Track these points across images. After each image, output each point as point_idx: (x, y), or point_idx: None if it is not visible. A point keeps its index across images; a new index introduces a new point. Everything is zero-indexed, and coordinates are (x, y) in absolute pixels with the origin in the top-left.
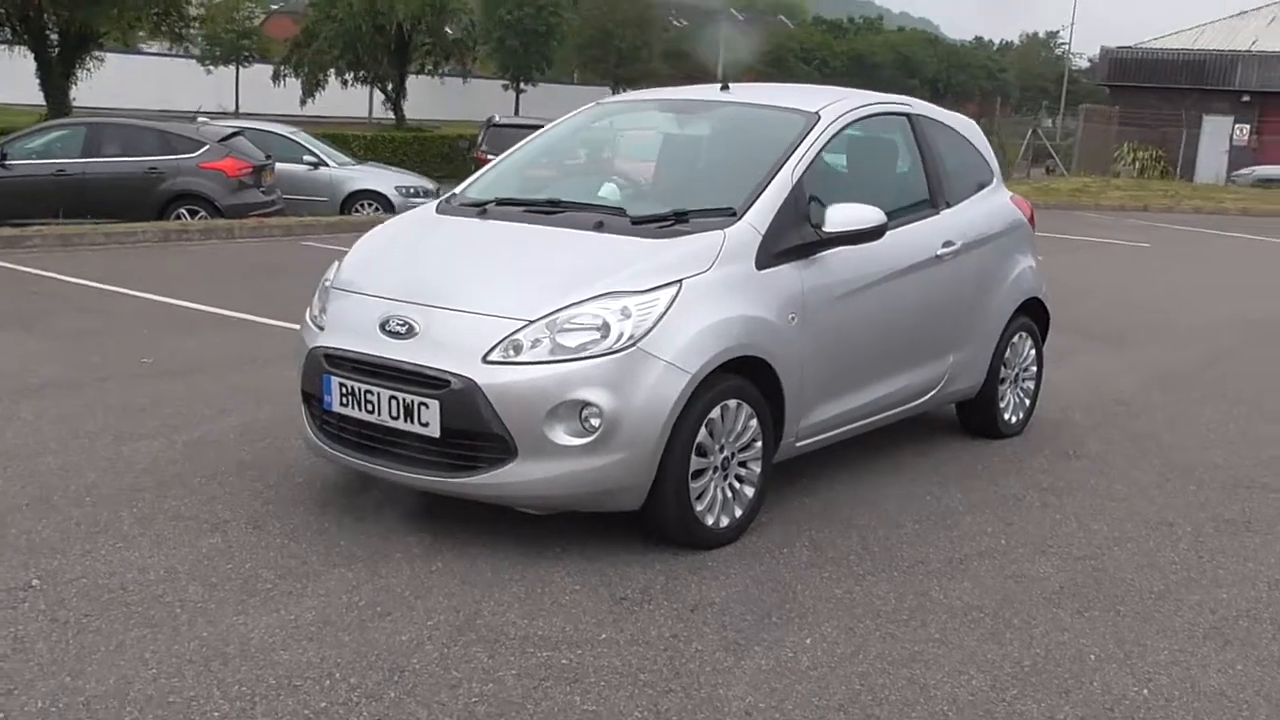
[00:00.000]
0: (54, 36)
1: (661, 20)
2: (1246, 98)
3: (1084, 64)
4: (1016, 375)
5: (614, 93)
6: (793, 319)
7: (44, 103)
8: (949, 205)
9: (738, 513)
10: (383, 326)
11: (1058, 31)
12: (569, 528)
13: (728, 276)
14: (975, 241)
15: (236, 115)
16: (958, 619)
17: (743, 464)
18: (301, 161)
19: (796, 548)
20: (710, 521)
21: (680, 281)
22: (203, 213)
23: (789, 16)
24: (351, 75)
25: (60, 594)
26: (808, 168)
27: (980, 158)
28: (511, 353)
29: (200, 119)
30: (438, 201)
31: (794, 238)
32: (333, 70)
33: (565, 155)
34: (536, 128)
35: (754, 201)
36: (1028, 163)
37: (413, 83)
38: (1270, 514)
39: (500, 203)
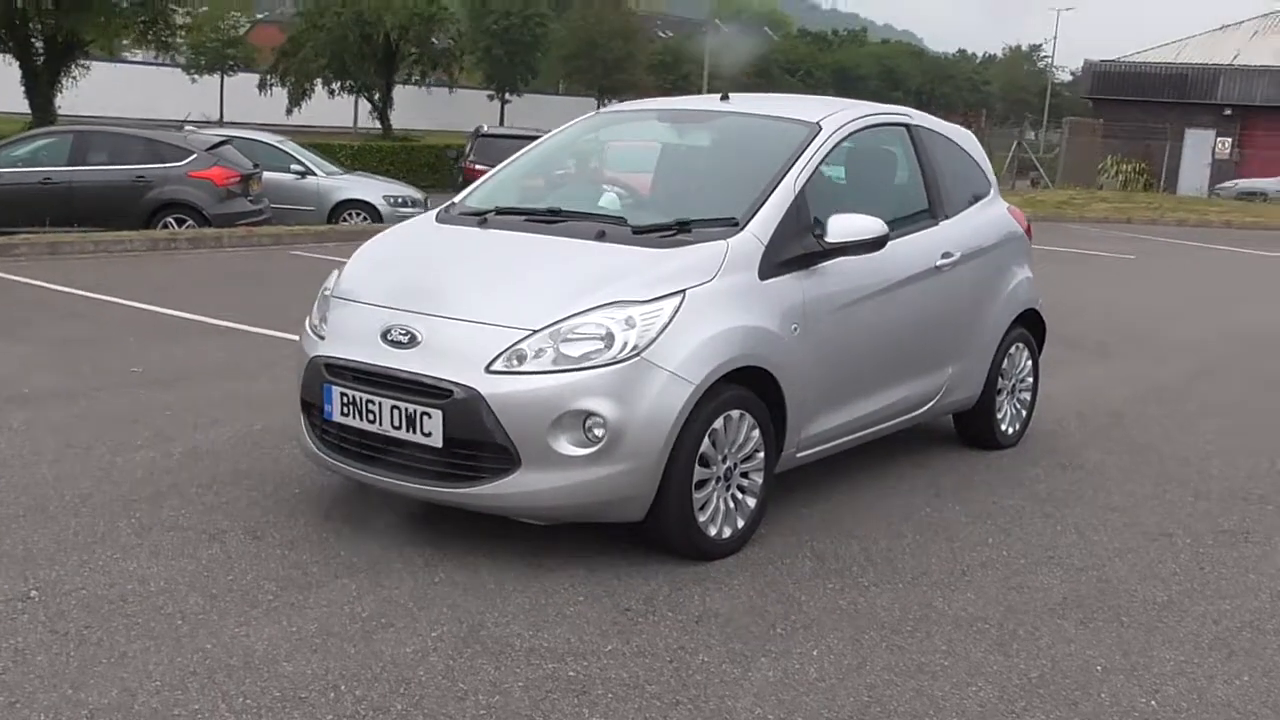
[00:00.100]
0: (39, 44)
1: (647, 31)
2: (1228, 111)
3: (1066, 77)
4: (1013, 386)
5: (599, 104)
6: (795, 329)
7: (29, 110)
8: (947, 216)
9: (740, 523)
10: (384, 336)
11: (1040, 45)
12: (570, 538)
13: (731, 286)
14: (973, 253)
15: (221, 124)
16: (963, 630)
17: (745, 474)
18: (289, 170)
19: (799, 558)
20: (713, 532)
21: (684, 291)
22: (190, 222)
23: (773, 29)
24: (338, 85)
25: (59, 605)
26: (809, 178)
27: (978, 169)
28: (515, 362)
29: (188, 127)
30: (437, 210)
31: (796, 248)
32: (319, 80)
33: (564, 165)
34: (525, 138)
35: (756, 212)
36: (1012, 175)
37: (398, 92)
38: (1268, 525)
39: (500, 212)
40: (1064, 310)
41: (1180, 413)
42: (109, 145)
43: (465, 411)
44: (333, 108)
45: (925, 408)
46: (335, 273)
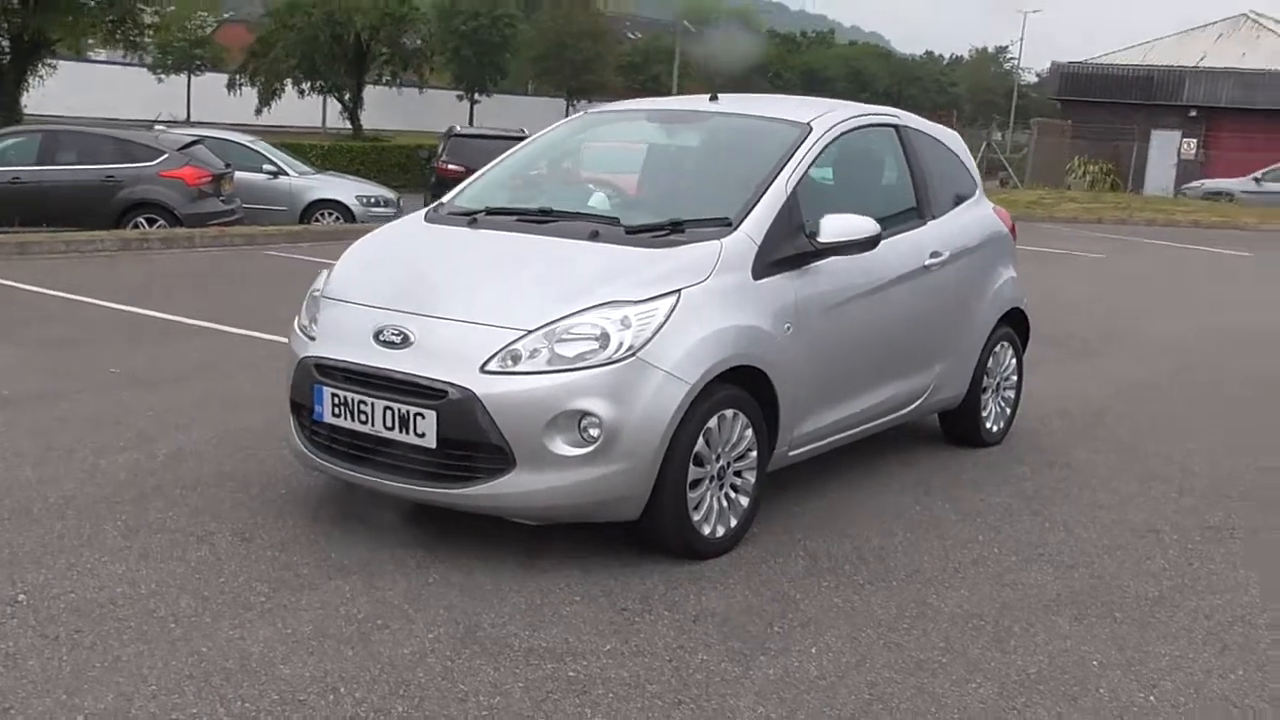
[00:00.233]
0: (6, 43)
1: (616, 33)
2: (1194, 113)
3: (1032, 79)
4: (998, 385)
5: (568, 104)
6: (788, 329)
7: None
8: (935, 216)
9: (733, 522)
10: (377, 336)
11: (1006, 47)
12: (563, 537)
13: (725, 286)
14: (961, 252)
15: (189, 124)
16: (959, 627)
17: (738, 473)
18: (261, 170)
19: (792, 557)
20: (707, 531)
21: (679, 291)
22: (161, 221)
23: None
24: (308, 85)
25: (49, 609)
26: (801, 178)
27: (964, 169)
28: (510, 363)
29: (158, 127)
30: (426, 210)
31: (789, 248)
32: (289, 80)
33: (552, 165)
34: (497, 138)
35: (749, 212)
36: (981, 175)
37: (368, 93)
38: (1253, 521)
39: (491, 212)
40: (1041, 309)
41: (1161, 411)
42: (78, 145)
43: (460, 412)
44: (301, 108)
45: (913, 406)
46: (324, 273)
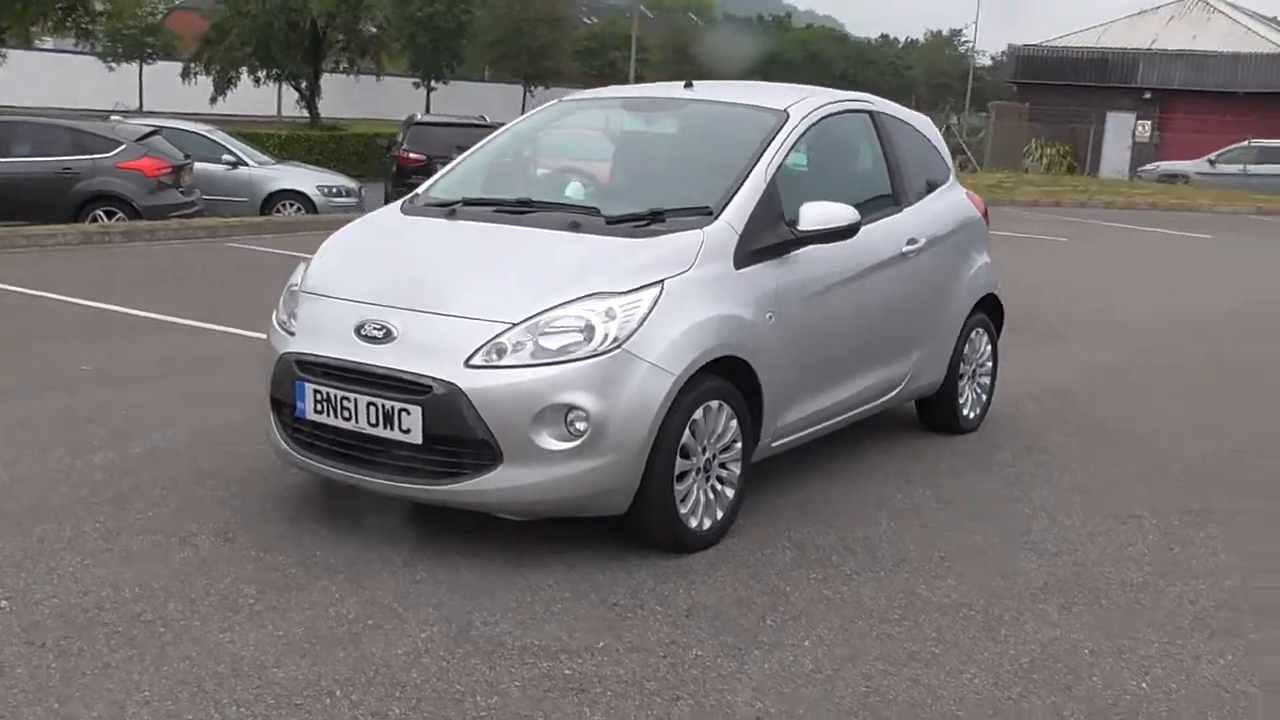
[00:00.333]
0: None
1: (572, 18)
2: (1148, 95)
3: (987, 62)
4: (974, 371)
5: (525, 90)
6: (770, 318)
7: None
8: (911, 203)
9: (719, 514)
10: (358, 331)
11: (961, 30)
12: (547, 532)
13: (707, 276)
14: (937, 239)
15: (141, 113)
16: (949, 617)
17: (723, 465)
18: (220, 161)
19: (779, 548)
20: (694, 524)
21: (662, 282)
22: (120, 214)
23: (698, 14)
24: (264, 73)
25: (33, 615)
26: (780, 166)
27: (937, 154)
28: (494, 356)
29: (114, 117)
30: (401, 202)
31: (770, 236)
32: (245, 68)
33: (527, 154)
34: (459, 126)
35: (729, 200)
36: None
37: (324, 81)
38: (1228, 505)
39: (469, 203)
40: (1007, 294)
41: (1131, 394)
42: (33, 136)
43: (445, 407)
44: (256, 97)
45: (892, 394)
46: (301, 267)
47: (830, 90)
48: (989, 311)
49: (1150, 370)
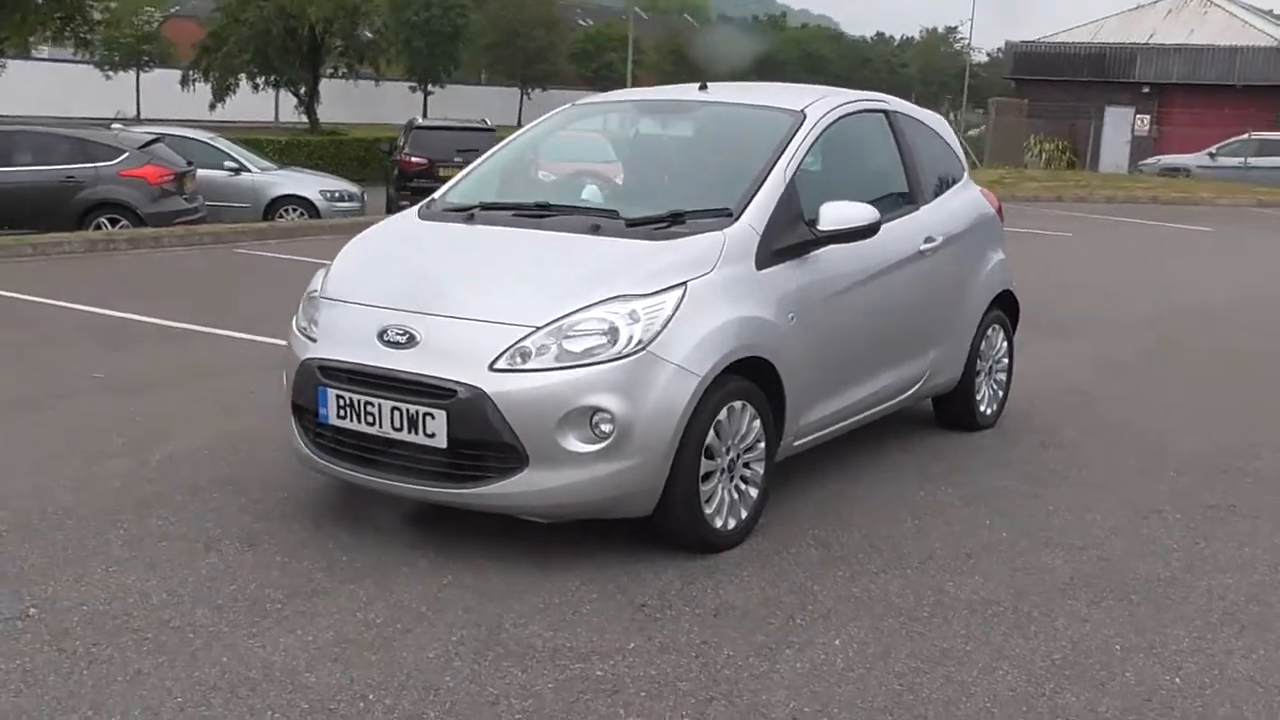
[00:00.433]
0: None
1: (568, 20)
2: (1146, 89)
3: (983, 58)
4: (990, 368)
5: (522, 93)
6: (791, 318)
7: None
8: (927, 201)
9: (744, 514)
10: (381, 336)
11: (956, 27)
12: (571, 535)
13: (730, 277)
14: (953, 237)
15: (139, 121)
16: (978, 614)
17: (747, 465)
18: (222, 167)
19: (803, 547)
20: (719, 524)
21: (685, 284)
22: (124, 222)
23: (693, 16)
24: (263, 79)
25: (61, 622)
26: (799, 166)
27: (951, 153)
28: (519, 360)
29: (115, 125)
30: (418, 207)
31: (790, 237)
32: (244, 74)
33: (557, 159)
34: (459, 129)
35: (750, 201)
36: None
37: (321, 86)
38: (1251, 498)
39: (486, 207)
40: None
41: (1145, 388)
42: (35, 145)
43: (470, 411)
44: (254, 103)
45: (911, 391)
46: (320, 273)
47: (846, 90)
48: (1005, 308)
49: (1161, 364)
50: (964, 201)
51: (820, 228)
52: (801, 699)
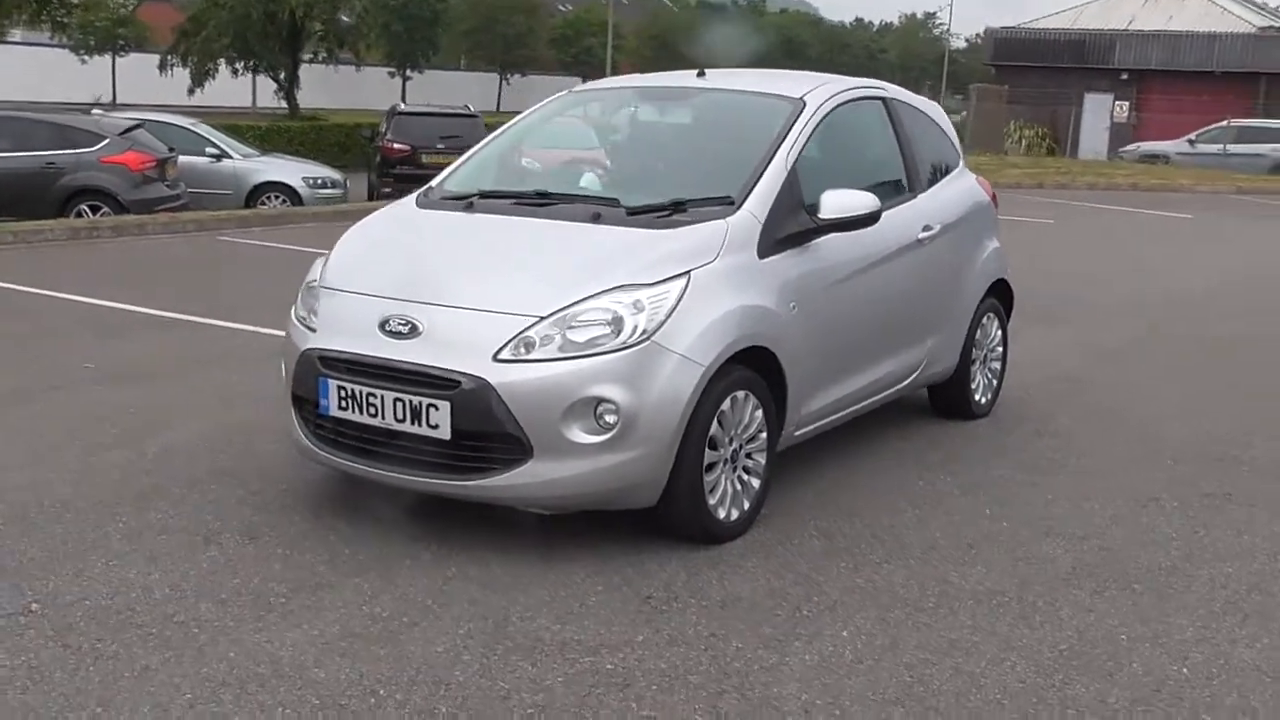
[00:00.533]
0: None
1: (547, 5)
2: (1125, 76)
3: (961, 44)
4: (985, 356)
5: (501, 79)
6: (793, 307)
7: None
8: (924, 189)
9: (746, 505)
10: (383, 326)
11: (935, 13)
12: (574, 525)
13: (732, 266)
14: (950, 225)
15: (115, 105)
16: (983, 605)
17: (749, 455)
18: (204, 154)
19: (806, 538)
20: (722, 515)
21: (689, 273)
22: (105, 209)
23: (672, 1)
24: (242, 64)
25: (64, 618)
26: (800, 154)
27: (947, 140)
28: (523, 350)
29: (96, 110)
30: (416, 195)
31: (791, 225)
32: (223, 59)
33: (540, 146)
34: (443, 115)
35: (751, 189)
36: None
37: (301, 71)
38: (1247, 486)
39: (485, 195)
40: None
41: (1135, 376)
42: (14, 130)
43: (475, 402)
44: (231, 88)
45: (908, 380)
46: (319, 263)
47: (844, 77)
48: (999, 296)
49: (1148, 350)
50: (960, 189)
51: (822, 216)
52: (813, 691)
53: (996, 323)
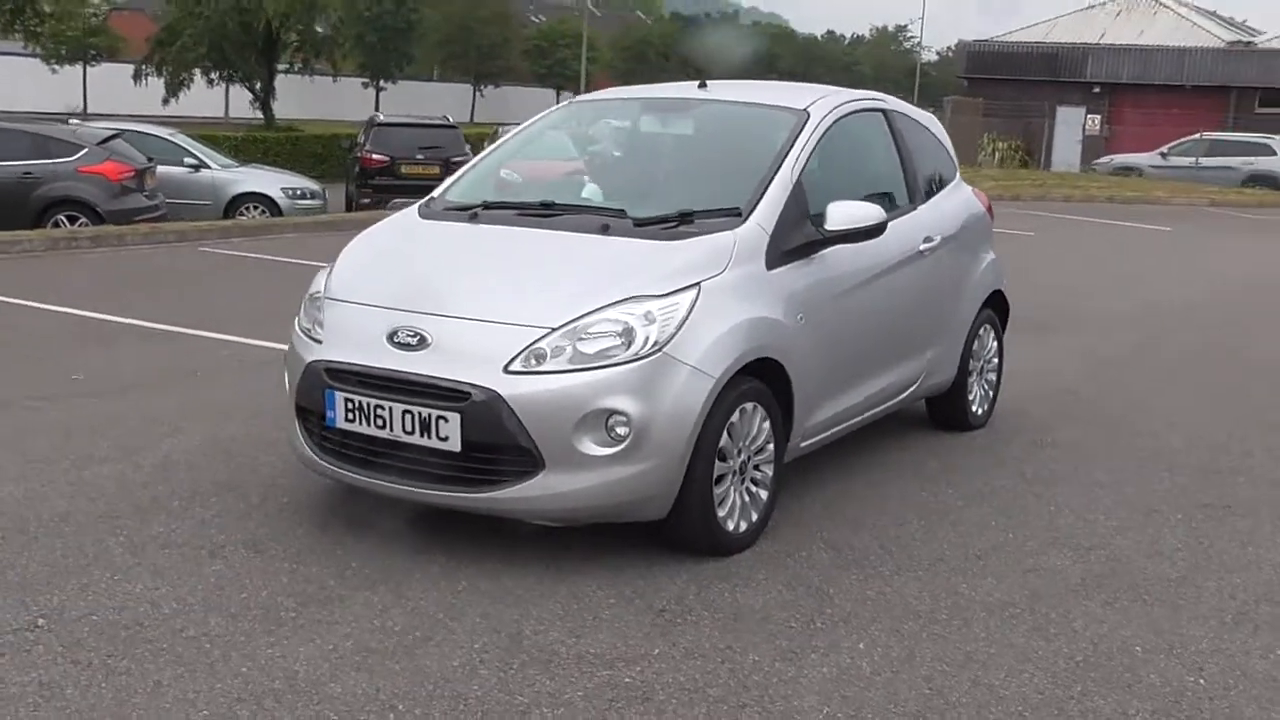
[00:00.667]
0: None
1: (520, 17)
2: (1097, 89)
3: (932, 57)
4: (981, 367)
5: (475, 90)
6: (800, 318)
7: None
8: (924, 200)
9: (754, 516)
10: (391, 338)
11: (906, 25)
12: (582, 537)
13: (741, 278)
14: (950, 236)
15: (85, 115)
16: (996, 616)
17: (756, 467)
18: (182, 164)
19: (814, 549)
20: (731, 527)
21: (699, 284)
22: (83, 219)
23: (645, 12)
24: (217, 74)
25: (72, 633)
26: (805, 166)
27: (944, 152)
28: (534, 362)
29: (72, 120)
30: (418, 205)
31: (798, 237)
32: (198, 69)
33: (540, 156)
34: (421, 126)
35: (758, 201)
36: None
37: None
38: (1247, 497)
39: (489, 206)
40: None
41: (1130, 386)
42: None
43: (485, 414)
44: (205, 98)
45: (908, 392)
46: (322, 274)
47: (845, 89)
48: (995, 308)
49: (1142, 360)
50: (958, 201)
51: (828, 227)
52: (833, 704)
53: (993, 334)
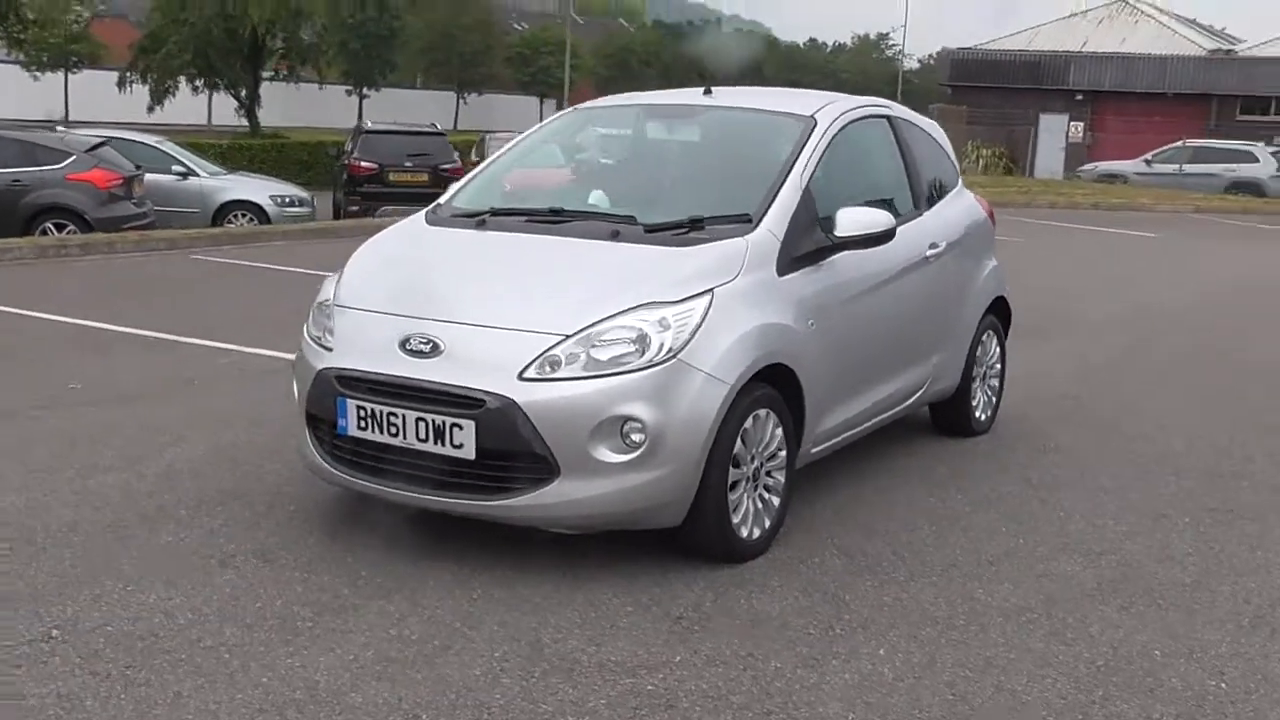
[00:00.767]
0: None
1: (503, 24)
2: (1080, 96)
3: (914, 65)
4: (985, 373)
5: (458, 97)
6: (811, 324)
7: None
8: (929, 206)
9: (767, 523)
10: (403, 345)
11: (888, 33)
12: (595, 544)
13: (753, 284)
14: (954, 242)
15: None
16: (1013, 621)
17: (769, 473)
18: (170, 172)
19: (827, 555)
20: (745, 534)
21: (712, 291)
22: (71, 227)
23: (628, 20)
24: (202, 81)
25: (88, 644)
26: (814, 172)
27: (947, 158)
28: (549, 369)
29: (60, 128)
30: (425, 212)
31: (808, 243)
32: (183, 76)
33: (548, 162)
34: (409, 134)
35: (769, 207)
36: None
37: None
38: (1252, 501)
39: (497, 212)
40: None
41: (1127, 389)
42: None
43: (500, 421)
44: (189, 106)
45: (915, 398)
46: (330, 281)
47: (850, 96)
48: (998, 314)
49: (1138, 364)
50: (961, 207)
51: (838, 233)
52: (858, 711)
53: (996, 340)
